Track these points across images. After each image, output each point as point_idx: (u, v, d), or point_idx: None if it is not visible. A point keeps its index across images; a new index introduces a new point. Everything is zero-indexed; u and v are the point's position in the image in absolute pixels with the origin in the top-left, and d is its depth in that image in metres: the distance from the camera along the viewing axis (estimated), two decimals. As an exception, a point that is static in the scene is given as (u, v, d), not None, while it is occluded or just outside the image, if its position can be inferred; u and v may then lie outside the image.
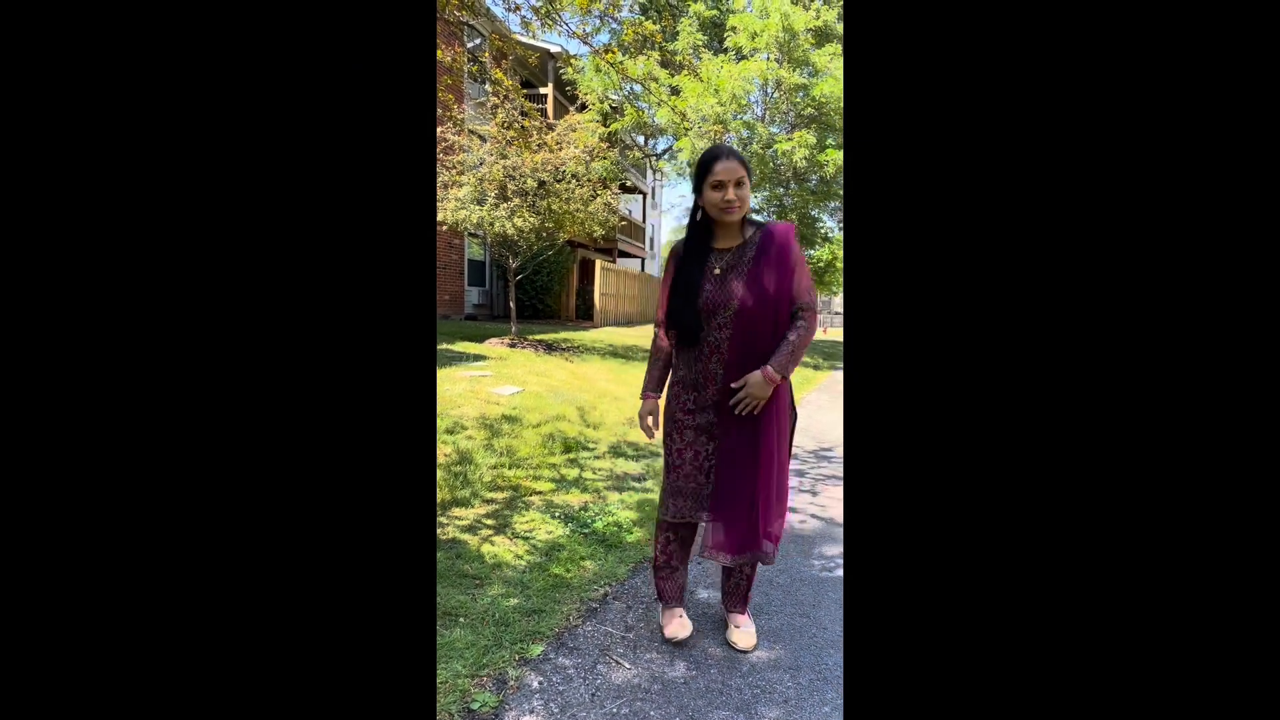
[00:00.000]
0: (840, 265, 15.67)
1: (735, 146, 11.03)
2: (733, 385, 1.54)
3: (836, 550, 2.36)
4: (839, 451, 4.14)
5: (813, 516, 2.75)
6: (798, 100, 10.45)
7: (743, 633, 1.68)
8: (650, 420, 1.70)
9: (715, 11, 11.94)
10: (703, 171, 1.55)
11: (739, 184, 1.51)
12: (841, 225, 14.55)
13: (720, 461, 1.58)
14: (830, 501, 2.98)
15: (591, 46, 4.00)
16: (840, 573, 2.15)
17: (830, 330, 29.60)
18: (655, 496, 2.82)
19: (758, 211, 13.73)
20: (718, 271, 1.57)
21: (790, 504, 2.90)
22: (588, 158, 6.60)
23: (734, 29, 10.62)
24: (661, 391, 1.71)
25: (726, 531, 1.58)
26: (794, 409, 1.67)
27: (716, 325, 1.55)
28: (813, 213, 12.52)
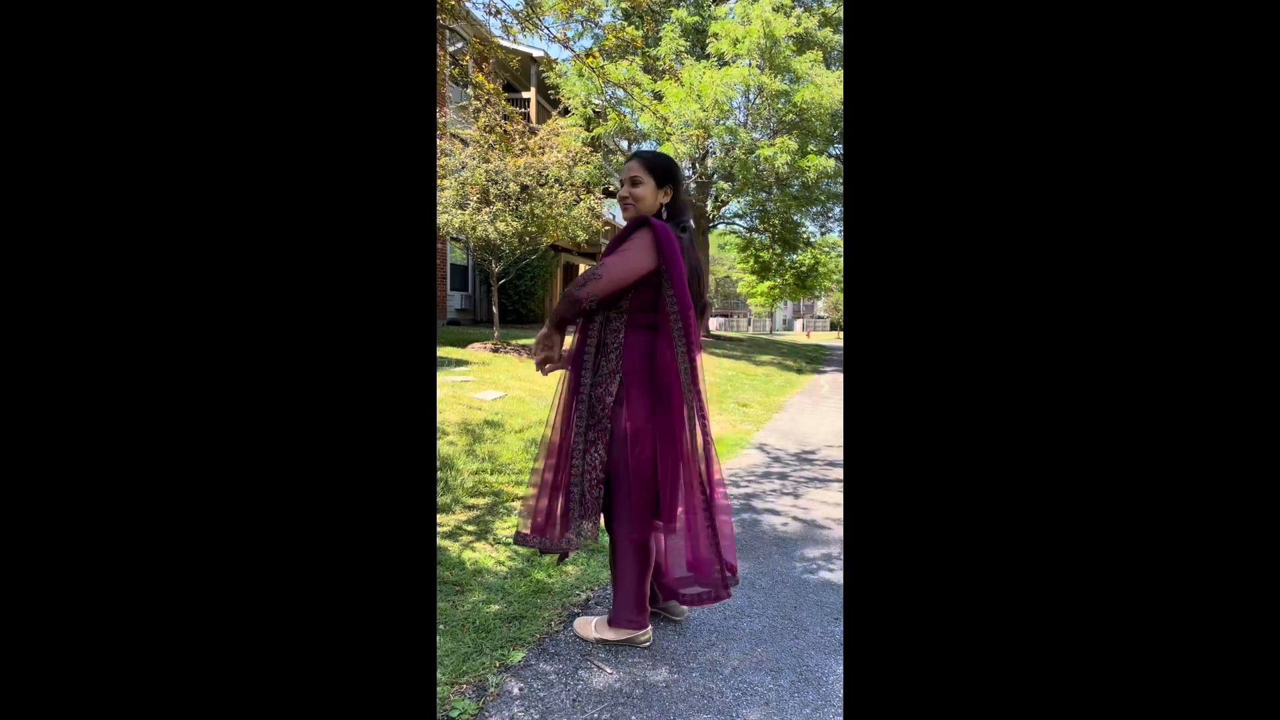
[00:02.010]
0: (822, 270, 15.83)
1: (718, 151, 11.12)
2: None
3: (818, 552, 2.37)
4: (821, 454, 4.17)
5: (795, 519, 2.76)
6: (779, 106, 10.54)
7: (582, 620, 1.71)
8: None
9: (697, 18, 12.02)
10: None
11: (633, 182, 1.55)
12: (822, 230, 14.70)
13: None
14: (812, 504, 3.00)
15: (573, 51, 4.01)
16: (821, 575, 2.17)
17: (814, 334, 29.86)
18: (638, 500, 2.81)
19: (741, 216, 13.83)
20: None
21: (772, 506, 2.91)
22: (571, 162, 6.60)
23: (716, 35, 10.70)
24: None
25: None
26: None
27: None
28: (795, 217, 12.63)
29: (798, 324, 39.17)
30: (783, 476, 3.51)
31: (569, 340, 1.65)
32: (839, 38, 11.35)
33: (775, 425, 5.22)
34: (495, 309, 7.03)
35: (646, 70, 9.96)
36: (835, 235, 15.96)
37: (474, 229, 6.17)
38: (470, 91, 5.40)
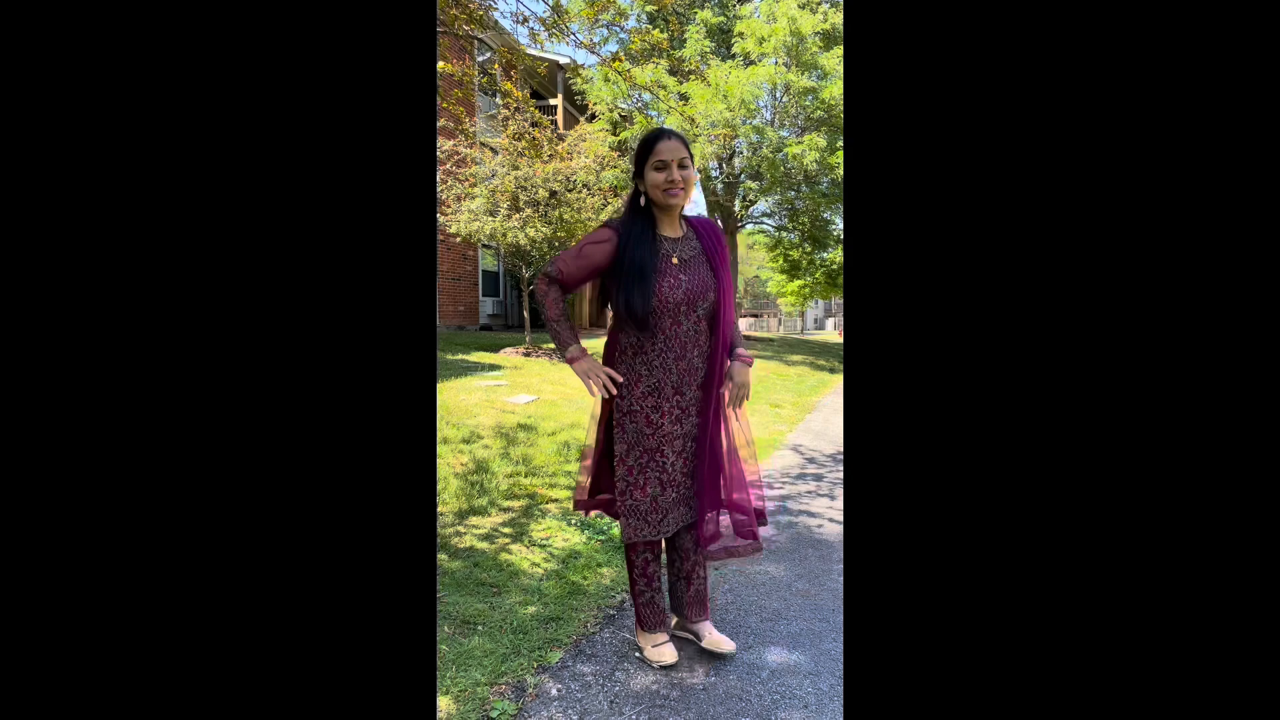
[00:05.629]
0: (854, 267, 15.53)
1: (745, 151, 11.05)
2: (730, 385, 1.55)
3: (856, 554, 2.33)
4: (857, 454, 4.10)
5: (831, 521, 2.72)
6: (807, 103, 10.44)
7: (720, 637, 1.61)
8: (605, 372, 1.49)
9: (722, 18, 11.98)
10: (644, 152, 1.48)
11: (682, 165, 1.45)
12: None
13: (701, 457, 1.54)
14: (848, 505, 2.95)
15: (599, 56, 4.03)
16: (860, 577, 2.13)
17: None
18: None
19: (769, 215, 13.72)
20: (676, 261, 1.50)
21: (808, 508, 2.88)
22: (598, 167, 6.64)
23: (741, 35, 10.64)
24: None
25: (719, 521, 1.59)
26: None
27: (696, 317, 1.51)
28: (825, 215, 12.46)
29: (829, 323, 38.55)
30: (818, 478, 3.47)
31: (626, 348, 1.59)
32: (867, 32, 11.15)
33: (809, 426, 5.15)
34: (526, 314, 7.11)
35: (672, 72, 9.97)
36: (867, 232, 15.64)
37: (504, 235, 6.26)
38: (499, 100, 5.47)
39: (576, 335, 1.56)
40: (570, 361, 1.53)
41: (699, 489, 1.56)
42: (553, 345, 7.49)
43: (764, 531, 2.55)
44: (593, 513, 1.75)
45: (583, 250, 1.51)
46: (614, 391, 1.50)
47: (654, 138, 1.48)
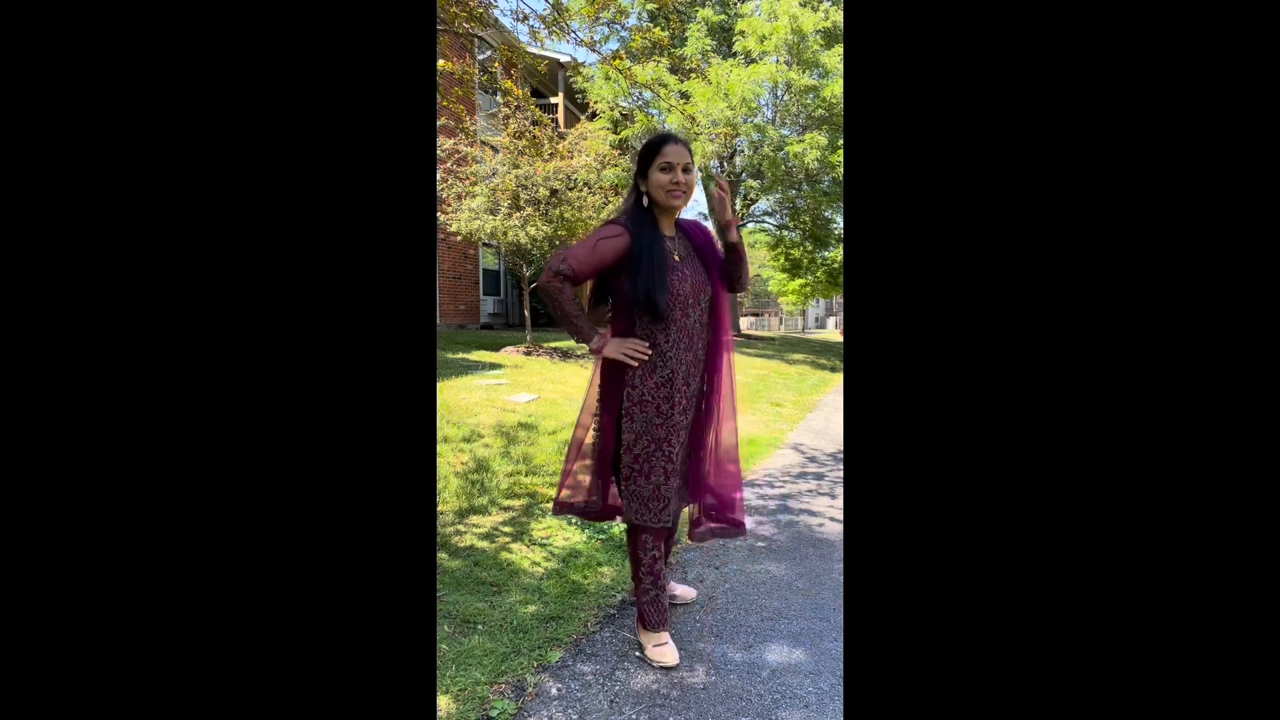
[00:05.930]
0: (855, 266, 15.53)
1: (746, 149, 11.04)
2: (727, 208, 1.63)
3: (856, 553, 2.33)
4: (857, 453, 4.10)
5: (831, 520, 2.72)
6: (808, 102, 10.43)
7: (685, 588, 1.93)
8: (629, 344, 1.52)
9: (723, 16, 11.97)
10: (650, 154, 1.53)
11: (686, 169, 1.52)
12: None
13: (696, 443, 1.64)
14: (849, 504, 2.95)
15: (600, 54, 4.03)
16: (860, 576, 2.13)
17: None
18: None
19: (770, 214, 13.72)
20: (678, 258, 1.56)
21: (808, 507, 2.88)
22: (599, 165, 6.64)
23: (742, 33, 10.63)
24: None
25: (706, 504, 1.70)
26: None
27: (700, 311, 1.58)
28: (826, 214, 12.46)
29: (830, 322, 38.53)
30: (819, 477, 3.47)
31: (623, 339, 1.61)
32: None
33: (809, 424, 5.15)
34: (527, 313, 7.11)
35: (673, 70, 9.96)
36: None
37: (505, 234, 6.25)
38: (499, 98, 5.47)
39: (595, 326, 1.60)
40: (598, 351, 1.56)
41: (692, 478, 1.65)
42: (553, 345, 7.49)
43: (765, 531, 2.55)
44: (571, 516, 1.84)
45: (597, 246, 1.52)
46: (648, 354, 1.53)
47: (661, 140, 1.54)
